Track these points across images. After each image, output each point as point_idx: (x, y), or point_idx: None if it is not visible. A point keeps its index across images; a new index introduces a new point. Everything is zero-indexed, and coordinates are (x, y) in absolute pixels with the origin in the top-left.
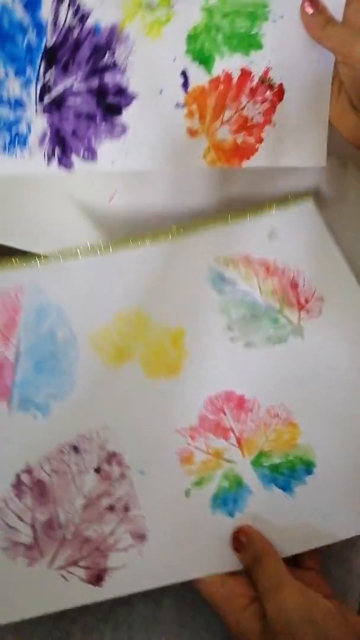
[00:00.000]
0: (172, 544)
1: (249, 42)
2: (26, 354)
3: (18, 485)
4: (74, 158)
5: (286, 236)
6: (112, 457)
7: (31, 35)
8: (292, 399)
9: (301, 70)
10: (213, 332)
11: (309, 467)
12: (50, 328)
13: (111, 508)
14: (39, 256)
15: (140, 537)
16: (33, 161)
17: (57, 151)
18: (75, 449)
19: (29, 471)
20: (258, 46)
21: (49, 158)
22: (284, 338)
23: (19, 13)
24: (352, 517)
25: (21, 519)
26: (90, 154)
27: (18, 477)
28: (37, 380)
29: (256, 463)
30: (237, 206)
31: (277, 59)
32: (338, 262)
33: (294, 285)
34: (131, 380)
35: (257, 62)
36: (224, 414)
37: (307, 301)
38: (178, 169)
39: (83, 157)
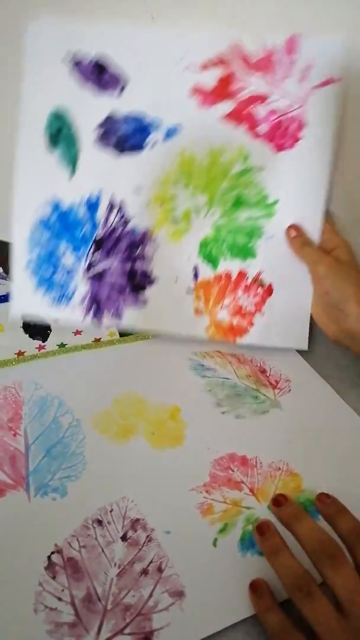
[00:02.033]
0: (210, 593)
1: (246, 252)
2: (36, 443)
3: (51, 566)
4: (105, 316)
5: None
6: (135, 523)
7: (87, 228)
8: (288, 454)
9: (288, 275)
10: (205, 408)
11: None
12: (55, 417)
13: (145, 572)
14: (34, 355)
15: (179, 594)
16: (73, 314)
17: (93, 309)
18: (99, 522)
19: (58, 551)
20: (253, 255)
21: (86, 313)
22: (266, 410)
23: (82, 212)
24: None
25: (60, 599)
26: (117, 315)
27: (49, 559)
28: (50, 466)
29: None
30: None
31: (268, 266)
32: (294, 355)
33: (263, 371)
34: (139, 453)
35: (252, 267)
36: (232, 471)
37: (277, 382)
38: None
39: (112, 315)
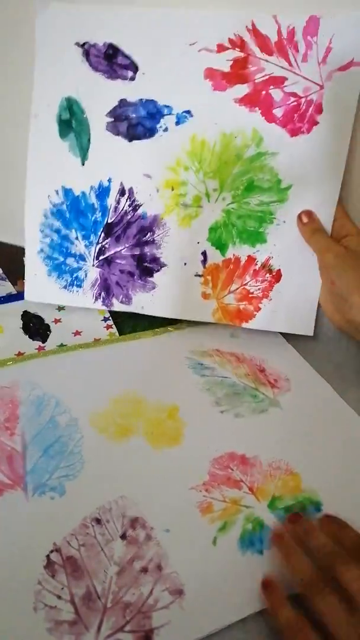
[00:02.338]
0: (210, 592)
1: (256, 238)
2: (33, 443)
3: (50, 565)
4: (114, 300)
5: (244, 335)
6: (134, 522)
7: (98, 215)
8: (287, 454)
9: (296, 261)
10: (204, 407)
11: (317, 505)
12: (52, 416)
13: (144, 570)
14: (31, 354)
15: (178, 592)
16: (84, 298)
17: (102, 294)
18: (98, 520)
19: (57, 550)
20: (263, 241)
21: (96, 298)
22: (265, 409)
23: (92, 199)
24: None
25: (60, 597)
26: (127, 299)
27: (48, 557)
28: (47, 465)
29: (272, 506)
30: None
31: (278, 252)
32: (294, 354)
33: (262, 370)
34: (138, 452)
35: (261, 252)
36: (231, 470)
37: (276, 381)
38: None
39: (121, 301)
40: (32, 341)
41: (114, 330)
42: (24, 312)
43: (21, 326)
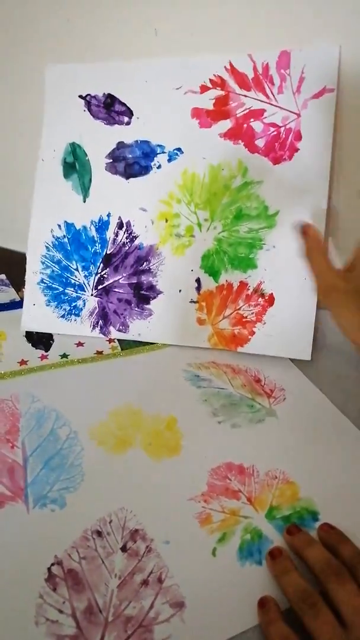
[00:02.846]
0: (211, 604)
1: (247, 263)
2: (34, 455)
3: (51, 578)
4: (111, 329)
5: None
6: (134, 534)
7: (97, 247)
8: (284, 463)
9: (289, 284)
10: (201, 418)
11: (314, 515)
12: (52, 429)
13: (145, 583)
14: (30, 368)
15: (179, 604)
16: (82, 327)
17: (100, 322)
18: (99, 533)
19: (59, 563)
20: (254, 266)
21: (94, 326)
22: (262, 419)
23: (93, 232)
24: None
25: (61, 611)
26: (124, 327)
27: (49, 570)
28: (48, 477)
29: (269, 516)
30: None
31: (269, 276)
32: (288, 364)
33: (257, 380)
34: (136, 464)
35: (253, 277)
36: (229, 480)
37: (272, 391)
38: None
39: (118, 329)
40: (34, 349)
41: (116, 344)
42: None
43: (24, 334)
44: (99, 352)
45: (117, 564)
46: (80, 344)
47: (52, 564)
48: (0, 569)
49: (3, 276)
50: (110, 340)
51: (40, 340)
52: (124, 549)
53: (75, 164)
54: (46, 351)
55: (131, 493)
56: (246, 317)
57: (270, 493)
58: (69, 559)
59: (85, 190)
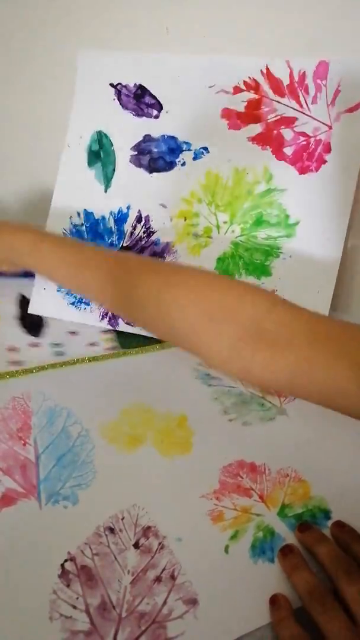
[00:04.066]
0: (224, 601)
1: (261, 270)
2: (46, 452)
3: (64, 574)
4: (120, 320)
5: None
6: (147, 530)
7: (114, 238)
8: (295, 461)
9: (301, 296)
10: (212, 416)
11: (326, 513)
12: (64, 427)
13: (158, 579)
14: (42, 367)
15: (192, 601)
16: (91, 316)
17: (110, 314)
18: (111, 529)
19: (72, 559)
20: (268, 274)
21: (102, 317)
22: (273, 417)
23: (111, 223)
24: None
25: (75, 607)
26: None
27: (63, 566)
28: (60, 475)
29: (282, 514)
30: None
31: (282, 285)
32: None
33: None
34: (148, 461)
35: (266, 285)
36: (241, 477)
37: None
38: None
39: (126, 323)
40: (26, 335)
41: (113, 336)
42: (22, 297)
43: (19, 316)
44: (92, 344)
45: (130, 561)
46: (73, 333)
47: (66, 560)
48: (14, 565)
49: None
50: (107, 332)
51: (33, 326)
52: (136, 545)
53: (100, 153)
54: (36, 336)
55: (143, 490)
56: None
57: (282, 491)
58: (82, 555)
59: (107, 180)
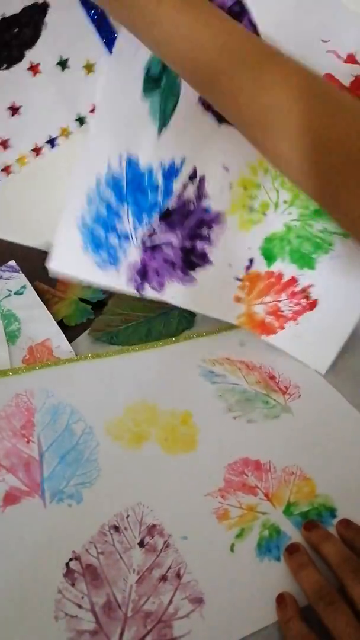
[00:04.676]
0: (230, 600)
1: (306, 261)
2: (49, 450)
3: (69, 573)
4: (147, 285)
5: (253, 344)
6: (152, 529)
7: (159, 197)
8: (300, 459)
9: (337, 298)
10: (217, 413)
11: (332, 511)
12: (67, 424)
13: (164, 578)
14: (45, 363)
15: (198, 600)
16: (117, 279)
17: (136, 278)
18: (116, 528)
19: (77, 558)
20: (311, 267)
21: (129, 280)
22: (277, 415)
23: (158, 178)
24: None
25: (80, 607)
26: (160, 287)
27: (67, 565)
28: (64, 472)
29: (287, 512)
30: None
31: (322, 283)
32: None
33: (272, 377)
34: (153, 459)
35: (305, 277)
36: (246, 475)
37: (286, 387)
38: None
39: (153, 287)
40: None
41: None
42: None
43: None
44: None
45: (135, 559)
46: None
47: (70, 559)
48: (19, 563)
49: (12, 262)
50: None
51: None
52: (141, 544)
53: (160, 80)
54: None
55: (148, 488)
56: (282, 311)
57: (287, 489)
58: (86, 554)
59: (165, 118)
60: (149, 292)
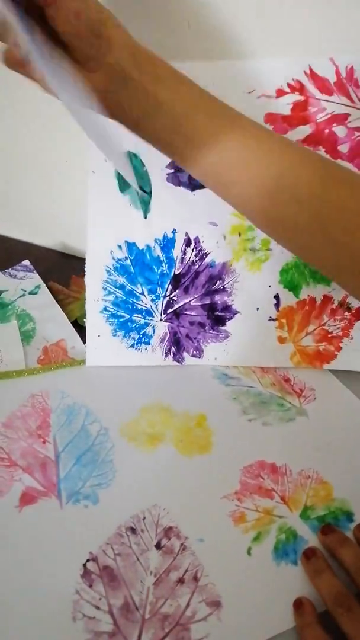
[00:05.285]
0: (247, 604)
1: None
2: (65, 451)
3: (87, 574)
4: (185, 355)
5: None
6: (169, 531)
7: (164, 267)
8: (316, 463)
9: None
10: (231, 415)
11: (349, 515)
12: (83, 425)
13: (181, 581)
14: (60, 364)
15: (216, 604)
16: (154, 356)
17: (173, 349)
18: (133, 530)
19: (94, 559)
20: None
21: (166, 354)
22: (292, 417)
23: (158, 252)
24: None
25: (98, 608)
26: (199, 352)
27: (85, 566)
28: (80, 473)
29: (304, 516)
30: None
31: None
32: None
33: (287, 380)
34: (168, 461)
35: (338, 290)
36: (262, 478)
37: (301, 390)
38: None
39: (192, 355)
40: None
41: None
42: None
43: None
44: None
45: (152, 562)
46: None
47: (88, 560)
48: (37, 564)
49: (27, 262)
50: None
51: None
52: (158, 546)
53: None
54: None
55: (164, 490)
56: (332, 333)
57: (304, 493)
58: (104, 555)
59: (145, 204)
60: (190, 361)
